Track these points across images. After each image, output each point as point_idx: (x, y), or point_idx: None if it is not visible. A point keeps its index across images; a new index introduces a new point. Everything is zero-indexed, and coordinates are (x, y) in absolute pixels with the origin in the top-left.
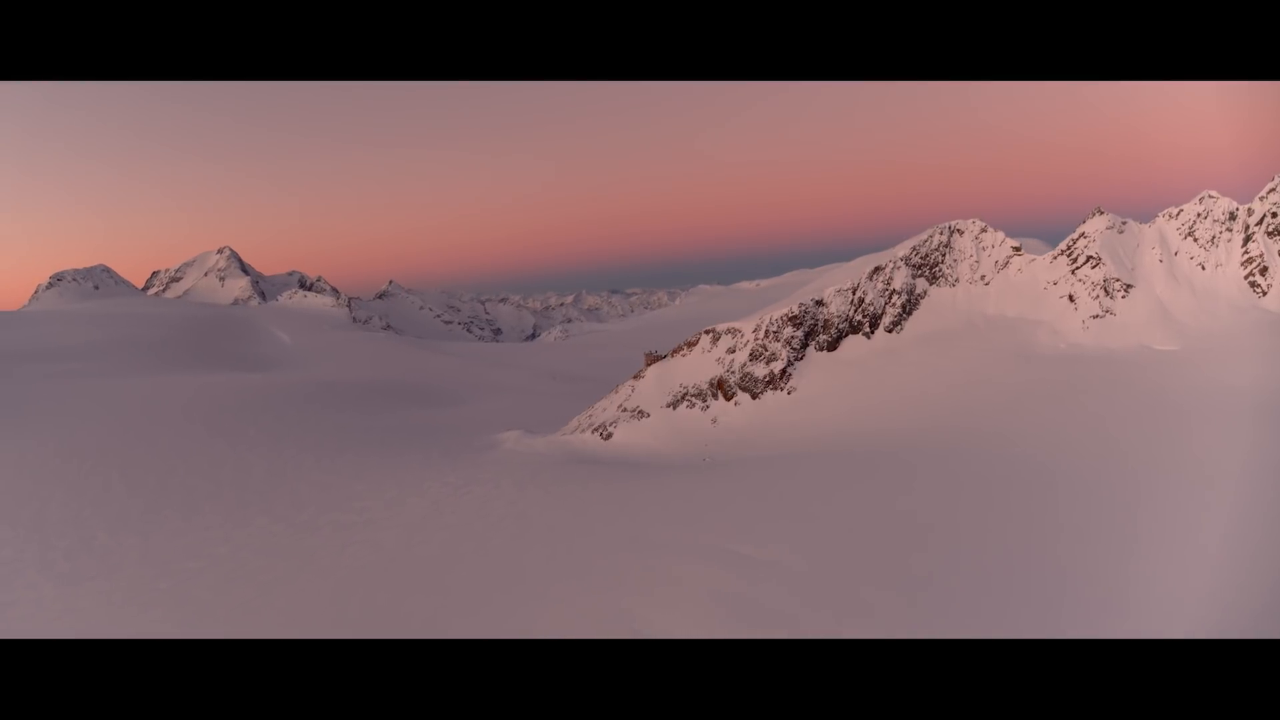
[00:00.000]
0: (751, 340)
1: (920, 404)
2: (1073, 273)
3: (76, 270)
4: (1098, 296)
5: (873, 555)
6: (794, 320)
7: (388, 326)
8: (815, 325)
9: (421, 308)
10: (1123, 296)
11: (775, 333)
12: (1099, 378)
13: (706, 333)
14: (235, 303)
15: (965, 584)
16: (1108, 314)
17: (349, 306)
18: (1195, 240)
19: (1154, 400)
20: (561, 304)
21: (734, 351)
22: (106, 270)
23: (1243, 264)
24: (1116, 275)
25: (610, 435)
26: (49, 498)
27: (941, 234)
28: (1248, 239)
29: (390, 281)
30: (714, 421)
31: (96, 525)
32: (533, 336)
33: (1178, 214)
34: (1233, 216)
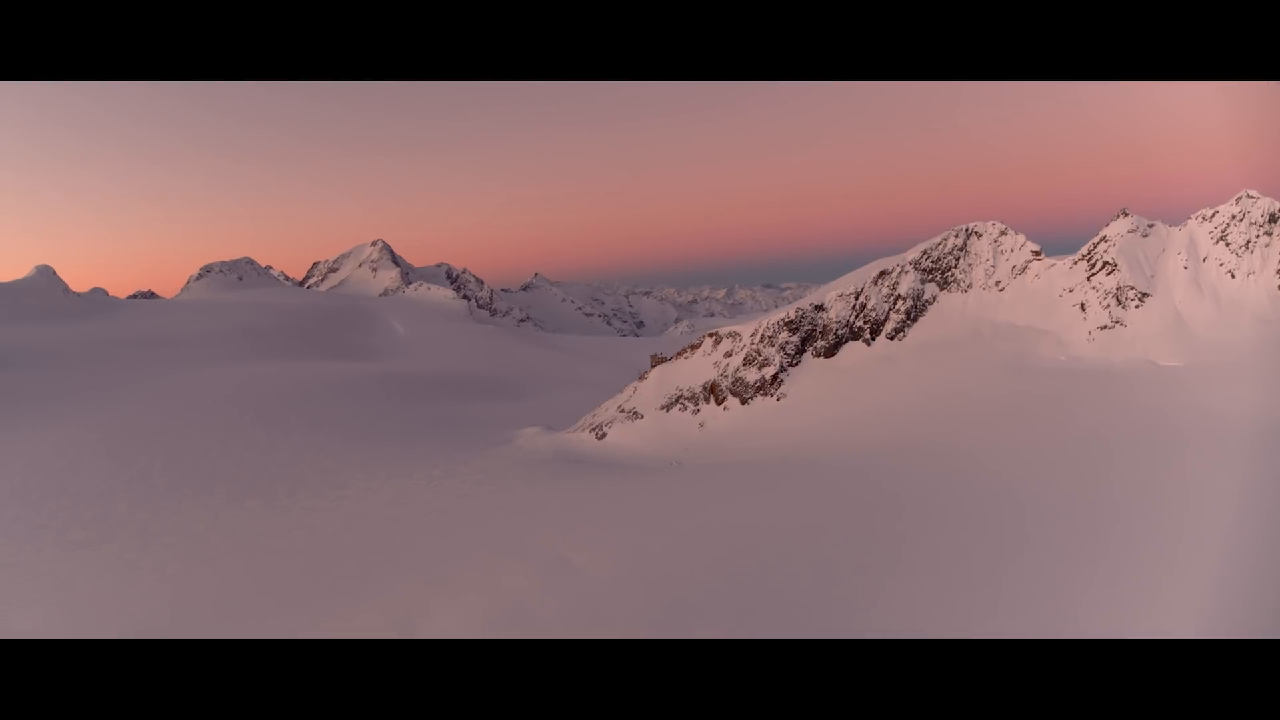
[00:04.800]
0: (748, 344)
1: (896, 416)
2: (1088, 279)
3: (223, 262)
4: (1109, 306)
5: (689, 574)
6: (790, 325)
7: (526, 318)
8: (813, 330)
9: (564, 300)
10: (1136, 306)
11: (770, 337)
12: (1087, 394)
13: (709, 335)
14: (385, 293)
15: (763, 614)
16: (1117, 324)
17: (491, 298)
18: (1227, 245)
19: (1136, 421)
20: (709, 298)
21: (730, 355)
22: (250, 262)
23: (1278, 272)
24: (1131, 283)
25: (604, 435)
26: (97, 471)
27: (957, 237)
28: None
29: (535, 274)
30: (701, 426)
31: (122, 499)
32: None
33: (1211, 216)
34: (1273, 219)
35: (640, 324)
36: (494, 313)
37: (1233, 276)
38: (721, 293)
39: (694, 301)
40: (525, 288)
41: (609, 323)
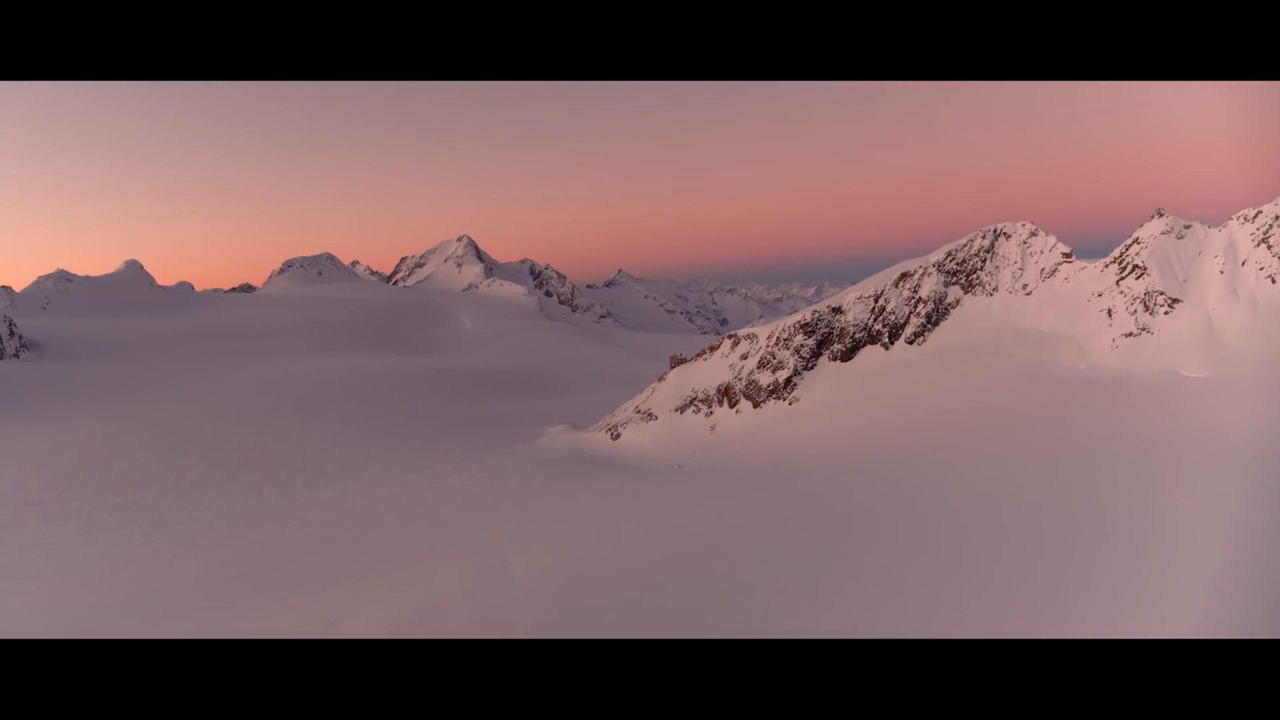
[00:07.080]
0: (764, 347)
1: (898, 425)
2: (1117, 283)
3: (304, 257)
4: (1135, 312)
5: (617, 577)
6: (806, 328)
7: (606, 315)
8: (830, 334)
9: (646, 297)
10: (1165, 312)
11: (786, 340)
12: (1094, 407)
13: (728, 337)
14: (468, 288)
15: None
16: (1144, 332)
17: (572, 294)
18: (1269, 248)
19: (1136, 436)
20: (797, 296)
21: (746, 358)
22: (330, 258)
23: None
24: (1161, 288)
25: (619, 436)
26: (137, 460)
27: (984, 238)
28: None
29: (619, 270)
30: (712, 429)
31: (153, 487)
32: None
33: (1254, 216)
34: None
35: (723, 321)
36: (575, 309)
37: (1273, 281)
38: (810, 291)
39: (780, 299)
40: (608, 284)
41: (691, 320)
